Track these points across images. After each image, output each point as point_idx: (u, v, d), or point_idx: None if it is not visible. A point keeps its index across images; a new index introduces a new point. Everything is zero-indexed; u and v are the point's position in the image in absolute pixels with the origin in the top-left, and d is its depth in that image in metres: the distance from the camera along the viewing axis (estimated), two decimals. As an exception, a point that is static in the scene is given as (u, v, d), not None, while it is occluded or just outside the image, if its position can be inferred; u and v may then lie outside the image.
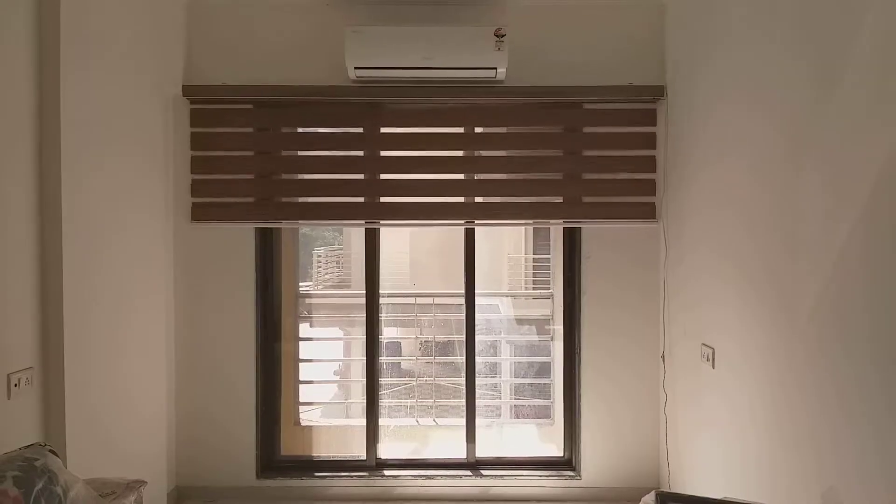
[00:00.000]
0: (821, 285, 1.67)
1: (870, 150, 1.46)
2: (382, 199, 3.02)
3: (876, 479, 1.45)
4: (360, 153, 3.02)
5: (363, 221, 3.06)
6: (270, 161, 3.02)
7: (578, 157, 2.99)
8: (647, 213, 2.98)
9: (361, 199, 3.02)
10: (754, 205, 2.06)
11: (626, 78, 2.93)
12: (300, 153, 3.08)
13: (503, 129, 3.03)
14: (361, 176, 3.02)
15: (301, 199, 3.05)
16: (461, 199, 3.02)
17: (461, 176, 3.02)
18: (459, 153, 3.03)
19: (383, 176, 3.02)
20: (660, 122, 2.94)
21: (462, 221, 3.04)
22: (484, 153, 3.04)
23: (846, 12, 1.57)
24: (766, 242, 1.98)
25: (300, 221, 3.12)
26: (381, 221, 3.04)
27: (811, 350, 1.72)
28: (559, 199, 3.01)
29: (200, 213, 2.97)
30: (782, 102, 1.88)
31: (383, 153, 3.02)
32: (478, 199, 3.04)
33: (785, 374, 1.86)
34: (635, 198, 2.98)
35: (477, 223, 3.05)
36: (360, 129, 3.01)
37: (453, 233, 3.14)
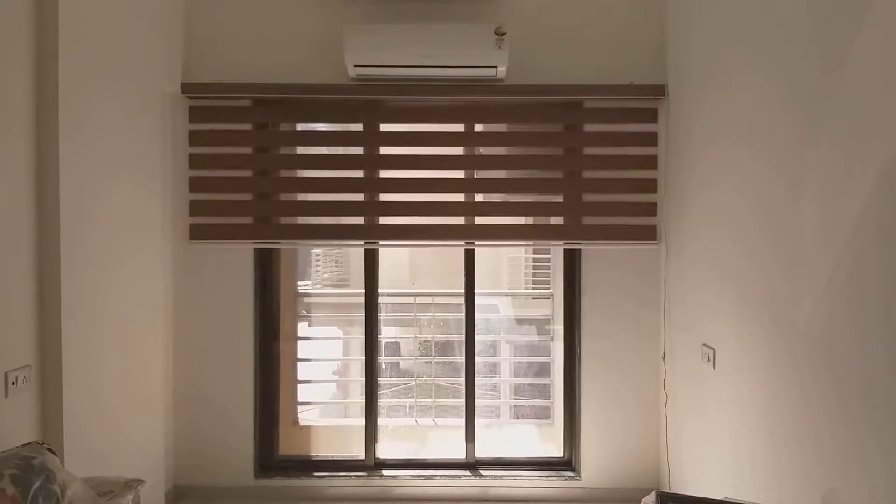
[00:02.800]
0: (822, 284, 1.66)
1: (871, 151, 1.46)
2: (382, 205, 3.01)
3: (877, 479, 1.44)
4: (360, 150, 3.01)
5: (363, 242, 3.05)
6: (269, 160, 3.01)
7: (578, 156, 2.99)
8: (649, 212, 2.97)
9: (361, 215, 3.01)
10: (757, 208, 2.05)
11: (627, 76, 2.92)
12: (299, 150, 3.08)
13: (503, 128, 3.03)
14: (361, 174, 3.01)
15: (300, 197, 3.05)
16: (461, 212, 3.01)
17: (461, 174, 3.02)
18: (459, 150, 3.02)
19: (383, 174, 3.01)
20: (661, 121, 2.94)
21: (462, 242, 3.04)
22: (483, 150, 3.03)
23: (851, 9, 1.57)
24: (768, 244, 1.97)
25: (299, 241, 3.12)
26: (381, 242, 3.05)
27: (813, 349, 1.71)
28: (559, 212, 3.01)
29: (198, 232, 2.97)
30: (785, 103, 1.88)
31: (383, 150, 3.01)
32: (478, 199, 3.04)
33: (786, 373, 1.85)
34: (635, 195, 2.97)
35: (477, 244, 3.05)
36: (360, 128, 3.01)
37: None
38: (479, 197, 3.05)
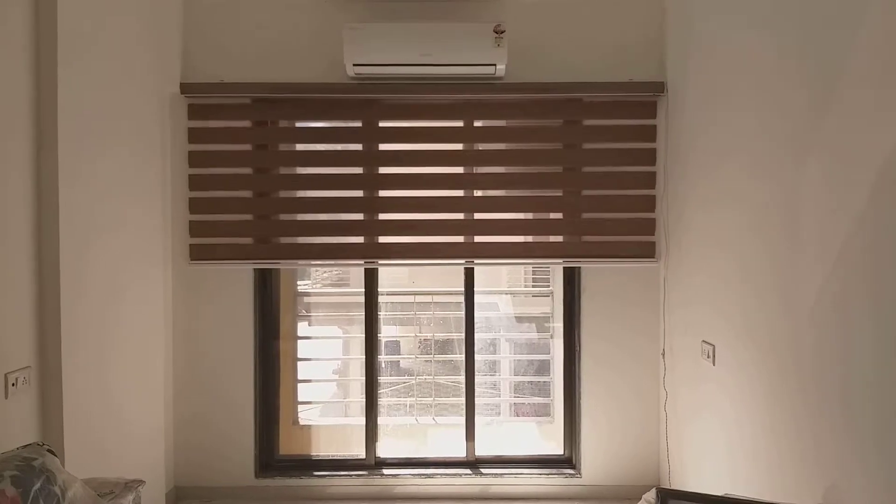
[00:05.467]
0: (822, 281, 1.66)
1: (871, 148, 1.46)
2: (382, 204, 3.01)
3: (877, 475, 1.45)
4: (359, 147, 3.01)
5: (362, 261, 3.05)
6: (268, 161, 3.01)
7: (578, 154, 2.99)
8: (648, 211, 2.97)
9: (360, 213, 3.01)
10: (756, 203, 2.05)
11: (626, 73, 2.92)
12: (298, 147, 3.08)
13: (502, 125, 3.03)
14: (360, 171, 3.00)
15: (300, 194, 3.06)
16: (461, 210, 3.01)
17: (460, 170, 3.02)
18: (459, 147, 3.01)
19: (382, 171, 3.00)
20: (660, 118, 2.94)
21: (462, 261, 3.04)
22: (482, 147, 3.02)
23: (850, 7, 1.56)
24: (767, 239, 1.98)
25: (299, 262, 3.11)
26: (380, 261, 3.04)
27: (812, 346, 1.71)
28: (559, 217, 3.02)
29: (197, 252, 2.99)
30: (784, 99, 1.88)
31: (382, 148, 3.01)
32: (477, 197, 3.03)
33: (786, 370, 1.86)
34: (635, 191, 2.97)
35: (476, 262, 3.05)
36: (359, 126, 3.00)
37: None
38: (478, 193, 3.03)
